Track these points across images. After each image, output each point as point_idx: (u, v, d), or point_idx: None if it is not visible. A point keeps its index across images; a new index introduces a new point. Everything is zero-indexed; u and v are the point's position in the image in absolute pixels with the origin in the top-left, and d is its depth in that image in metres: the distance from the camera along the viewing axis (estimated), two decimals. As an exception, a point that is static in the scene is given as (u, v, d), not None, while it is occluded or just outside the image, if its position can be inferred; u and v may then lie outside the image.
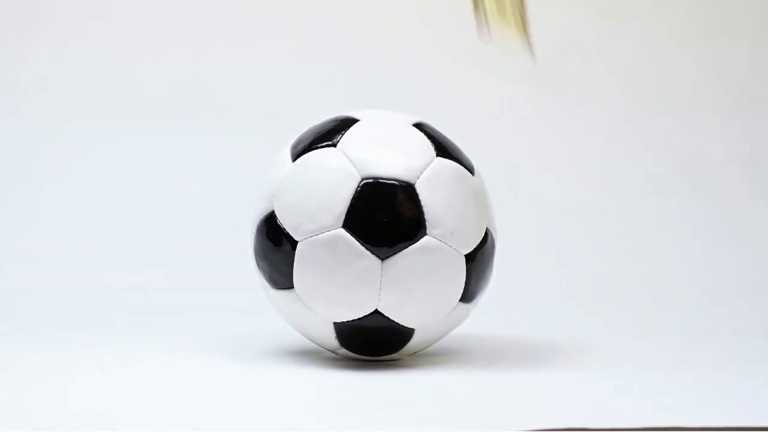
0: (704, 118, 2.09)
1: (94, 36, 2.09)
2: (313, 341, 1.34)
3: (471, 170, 1.32)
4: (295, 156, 1.31)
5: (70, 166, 2.00)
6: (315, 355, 1.36)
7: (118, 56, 2.08)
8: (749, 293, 1.77)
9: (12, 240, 1.90)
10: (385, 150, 1.29)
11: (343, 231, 1.26)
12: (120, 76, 2.08)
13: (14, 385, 1.22)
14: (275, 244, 1.29)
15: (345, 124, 1.32)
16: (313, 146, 1.30)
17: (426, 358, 1.37)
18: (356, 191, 1.26)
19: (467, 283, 1.30)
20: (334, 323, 1.29)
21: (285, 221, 1.29)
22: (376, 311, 1.27)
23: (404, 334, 1.30)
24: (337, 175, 1.27)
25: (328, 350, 1.34)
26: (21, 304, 1.69)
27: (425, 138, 1.31)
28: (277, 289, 1.31)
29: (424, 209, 1.26)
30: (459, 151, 1.33)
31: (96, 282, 1.79)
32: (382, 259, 1.25)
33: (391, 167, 1.27)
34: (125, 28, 2.09)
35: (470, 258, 1.29)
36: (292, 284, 1.29)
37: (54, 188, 1.98)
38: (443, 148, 1.31)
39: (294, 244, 1.27)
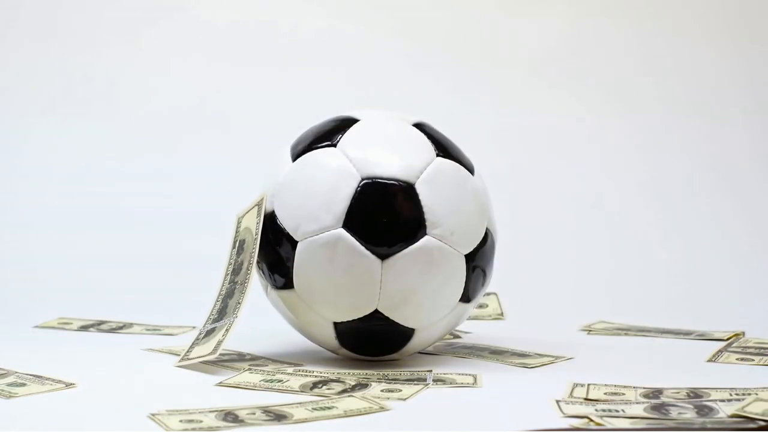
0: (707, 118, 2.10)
1: (99, 39, 2.09)
2: (313, 341, 1.34)
3: (471, 170, 1.32)
4: (295, 156, 1.31)
5: (74, 166, 2.00)
6: (315, 355, 1.36)
7: (119, 57, 2.08)
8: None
9: (13, 239, 1.90)
10: (385, 150, 1.29)
11: (343, 231, 1.26)
12: (121, 76, 2.08)
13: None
14: (275, 244, 1.29)
15: (345, 124, 1.32)
16: (313, 146, 1.30)
17: (426, 358, 1.37)
18: (356, 191, 1.26)
19: (467, 283, 1.29)
20: (334, 323, 1.29)
21: (285, 221, 1.29)
22: (376, 311, 1.27)
23: (404, 334, 1.30)
24: (337, 175, 1.27)
25: (328, 350, 1.34)
26: (21, 304, 1.69)
27: (425, 138, 1.31)
28: (277, 289, 1.31)
29: (424, 209, 1.26)
30: (459, 151, 1.33)
31: (95, 282, 1.79)
32: (382, 259, 1.25)
33: (391, 167, 1.27)
34: (128, 31, 2.09)
35: (470, 258, 1.29)
36: (292, 284, 1.28)
37: (54, 189, 1.98)
38: (443, 148, 1.31)
39: (294, 244, 1.27)
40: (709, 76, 2.11)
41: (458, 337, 1.51)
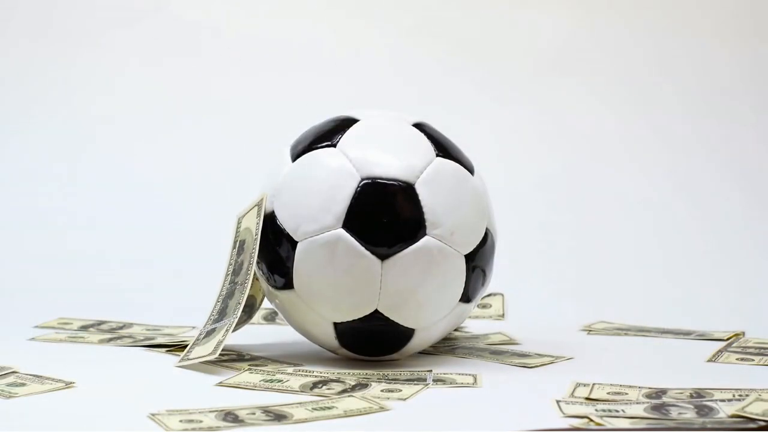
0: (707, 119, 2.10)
1: (99, 37, 2.09)
2: (313, 341, 1.34)
3: (471, 170, 1.32)
4: (295, 156, 1.31)
5: (73, 166, 2.00)
6: (315, 355, 1.36)
7: (121, 56, 2.08)
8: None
9: (14, 239, 1.90)
10: (385, 150, 1.29)
11: (343, 231, 1.26)
12: (123, 76, 2.08)
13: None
14: (275, 244, 1.29)
15: (345, 124, 1.32)
16: (313, 146, 1.30)
17: (426, 358, 1.37)
18: (356, 191, 1.26)
19: (467, 283, 1.29)
20: (334, 323, 1.29)
21: (285, 221, 1.29)
22: (376, 311, 1.27)
23: (404, 334, 1.30)
24: (337, 175, 1.27)
25: (328, 350, 1.34)
26: (21, 304, 1.69)
27: (425, 138, 1.31)
28: (277, 289, 1.31)
29: (424, 209, 1.26)
30: (459, 151, 1.33)
31: (95, 282, 1.79)
32: (382, 259, 1.25)
33: (391, 167, 1.27)
34: (127, 31, 2.09)
35: (470, 258, 1.29)
36: (292, 284, 1.28)
37: (54, 188, 1.98)
38: (443, 148, 1.31)
39: (294, 244, 1.27)
40: (723, 75, 2.11)
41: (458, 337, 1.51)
